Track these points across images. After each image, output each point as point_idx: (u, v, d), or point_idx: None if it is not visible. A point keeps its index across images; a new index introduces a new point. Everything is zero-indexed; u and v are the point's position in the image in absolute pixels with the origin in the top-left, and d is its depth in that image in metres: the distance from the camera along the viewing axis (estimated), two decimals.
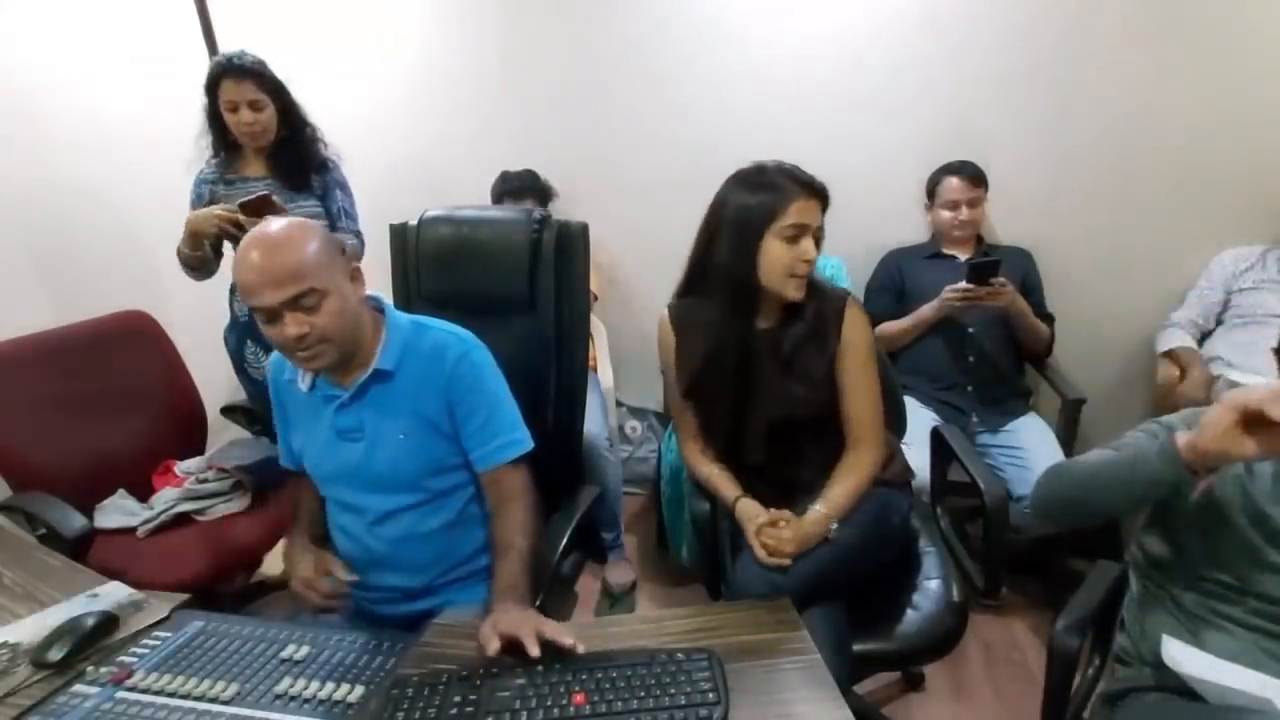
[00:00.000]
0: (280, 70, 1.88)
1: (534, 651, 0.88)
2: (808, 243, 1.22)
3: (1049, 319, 2.13)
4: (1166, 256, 2.21)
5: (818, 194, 1.23)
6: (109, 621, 1.03)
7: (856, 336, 1.28)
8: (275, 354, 1.20)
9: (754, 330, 1.30)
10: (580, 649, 0.90)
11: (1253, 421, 0.83)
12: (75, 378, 1.78)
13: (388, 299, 1.56)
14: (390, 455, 1.12)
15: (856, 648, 1.19)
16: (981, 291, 1.91)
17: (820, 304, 1.28)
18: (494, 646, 0.89)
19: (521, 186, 2.32)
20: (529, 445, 1.17)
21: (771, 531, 1.18)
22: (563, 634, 0.90)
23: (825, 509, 1.21)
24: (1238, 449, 0.85)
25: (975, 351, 2.05)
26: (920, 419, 1.81)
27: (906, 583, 1.35)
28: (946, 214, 2.13)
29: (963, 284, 1.92)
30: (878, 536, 1.28)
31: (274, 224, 1.04)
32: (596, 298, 2.37)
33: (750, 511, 1.24)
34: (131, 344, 1.91)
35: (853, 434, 1.30)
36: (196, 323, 2.06)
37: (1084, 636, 1.10)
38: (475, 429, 1.13)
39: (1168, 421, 1.07)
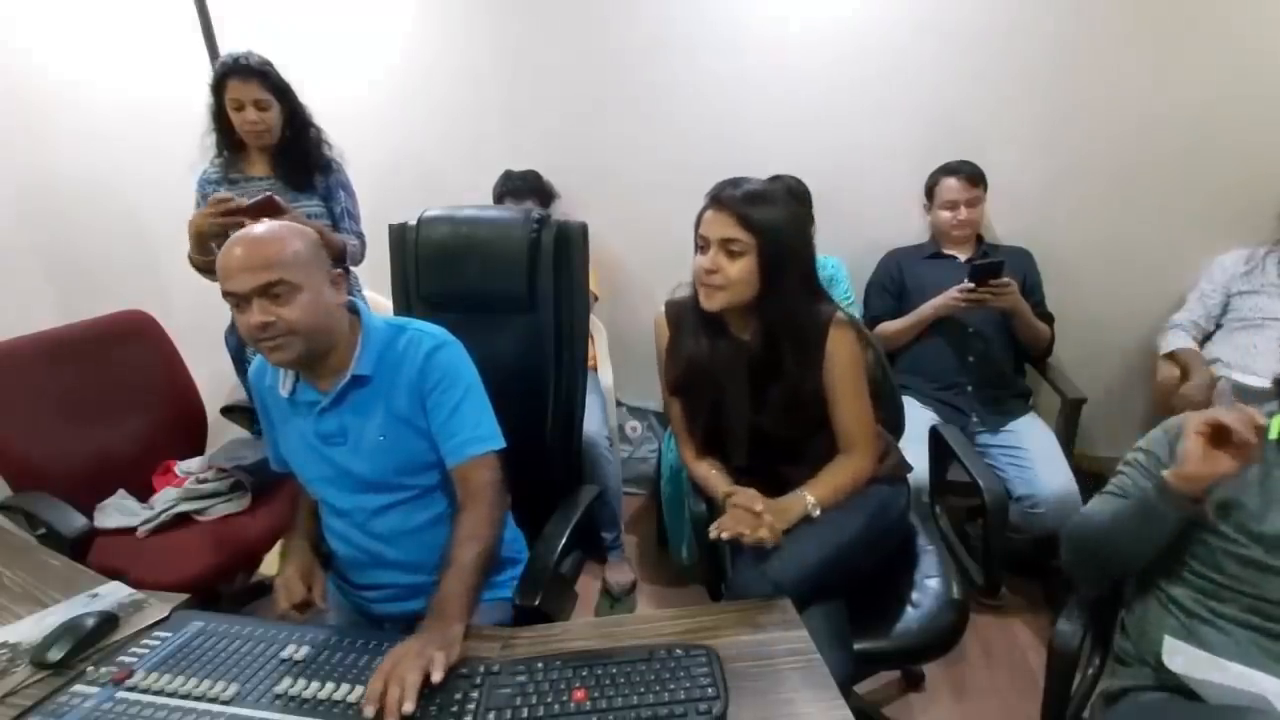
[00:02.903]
0: (281, 69, 1.88)
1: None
2: (712, 254, 1.21)
3: (1049, 319, 2.13)
4: (1166, 257, 2.21)
5: (724, 206, 1.21)
6: (109, 621, 1.03)
7: (841, 354, 1.26)
8: (257, 360, 1.21)
9: (733, 340, 1.31)
10: (436, 677, 0.85)
11: (1220, 437, 0.93)
12: (76, 377, 1.78)
13: (387, 299, 1.58)
14: (370, 455, 1.12)
15: (857, 646, 1.19)
16: (985, 294, 1.92)
17: (798, 330, 1.26)
18: (373, 687, 0.85)
19: (524, 187, 2.33)
20: (498, 443, 1.15)
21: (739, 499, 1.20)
22: (434, 667, 0.86)
23: (808, 491, 1.23)
24: (1220, 467, 0.93)
25: (975, 351, 2.05)
26: (920, 418, 1.81)
27: (906, 581, 1.35)
28: (945, 214, 2.12)
29: (966, 284, 1.92)
30: (878, 530, 1.28)
31: (266, 223, 1.06)
32: (597, 298, 2.38)
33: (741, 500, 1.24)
34: (132, 343, 1.91)
35: (843, 443, 1.31)
36: (197, 323, 2.05)
37: (1083, 637, 1.10)
38: (442, 423, 1.13)
39: (1150, 448, 1.10)
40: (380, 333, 1.15)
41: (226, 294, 1.03)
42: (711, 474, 1.35)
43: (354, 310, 1.16)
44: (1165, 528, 1.00)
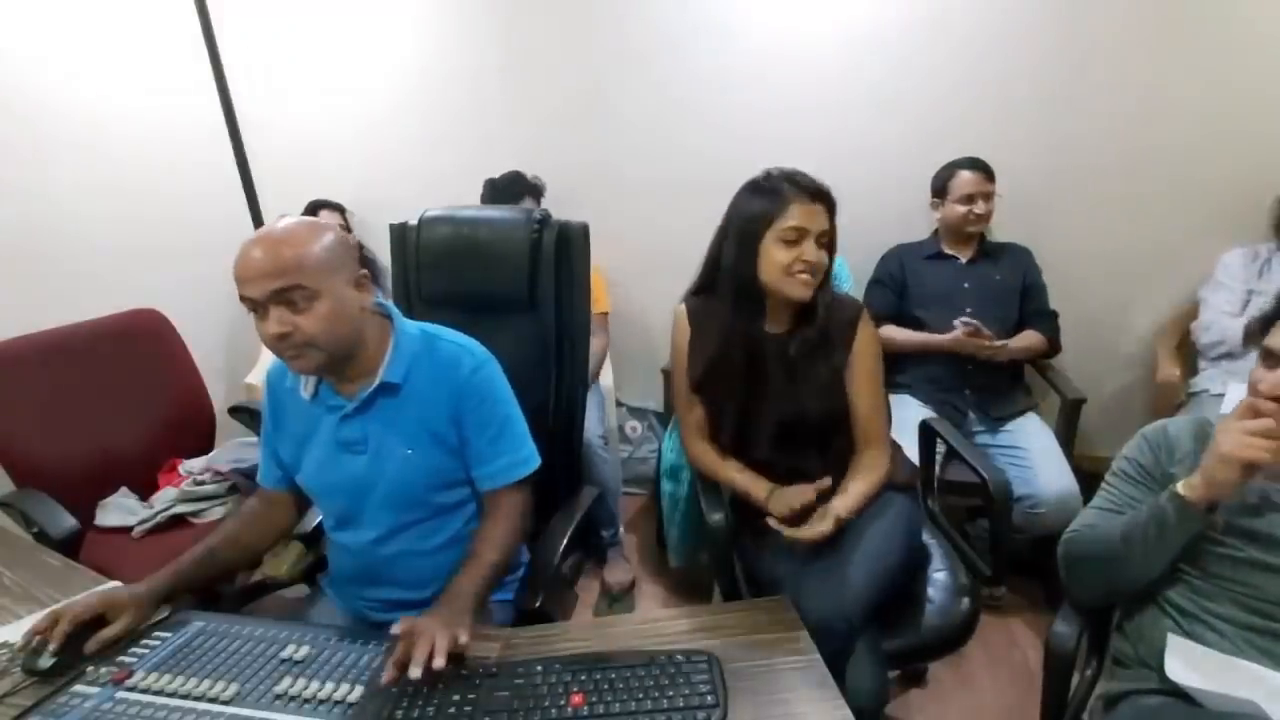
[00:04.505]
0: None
1: (414, 673, 0.82)
2: (808, 245, 1.24)
3: (1052, 316, 2.12)
4: (1167, 257, 2.21)
5: (820, 198, 1.25)
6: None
7: (866, 348, 1.33)
8: (276, 361, 1.14)
9: (764, 334, 1.33)
10: (464, 639, 0.87)
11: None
12: (86, 374, 1.79)
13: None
14: (396, 471, 1.08)
15: (885, 647, 1.19)
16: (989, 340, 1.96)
17: (833, 313, 1.31)
18: (398, 656, 0.86)
19: (510, 193, 2.26)
20: (536, 463, 1.15)
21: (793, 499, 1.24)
22: (460, 632, 0.87)
23: (841, 503, 1.25)
24: (1242, 479, 0.93)
25: (974, 358, 2.04)
26: (917, 417, 1.80)
27: (919, 579, 1.35)
28: (961, 208, 2.08)
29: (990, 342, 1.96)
30: (914, 549, 1.33)
31: (287, 219, 1.00)
32: (607, 313, 2.37)
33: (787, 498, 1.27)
34: (144, 342, 1.91)
35: (861, 437, 1.35)
36: (208, 322, 2.05)
37: (1079, 638, 1.10)
38: (483, 446, 1.10)
39: (1133, 456, 1.10)
40: (413, 340, 1.10)
41: (242, 299, 0.97)
42: (740, 476, 1.36)
43: (387, 314, 1.11)
44: (1180, 541, 1.00)
